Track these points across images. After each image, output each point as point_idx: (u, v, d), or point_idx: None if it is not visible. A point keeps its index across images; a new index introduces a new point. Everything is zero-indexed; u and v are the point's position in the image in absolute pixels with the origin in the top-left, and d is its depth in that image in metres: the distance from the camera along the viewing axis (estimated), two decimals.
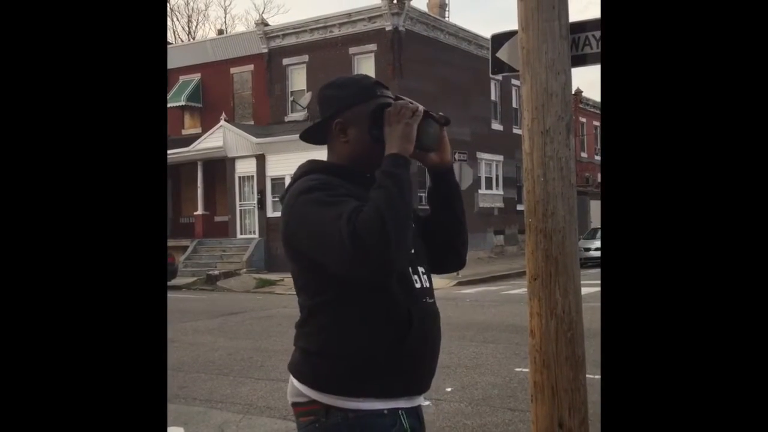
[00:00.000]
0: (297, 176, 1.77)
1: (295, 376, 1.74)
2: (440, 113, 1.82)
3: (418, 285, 1.73)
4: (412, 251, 1.71)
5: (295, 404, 1.75)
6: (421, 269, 1.77)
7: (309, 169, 1.78)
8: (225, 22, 56.52)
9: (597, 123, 36.40)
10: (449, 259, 1.92)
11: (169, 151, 23.61)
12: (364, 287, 1.63)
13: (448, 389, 6.09)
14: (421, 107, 1.72)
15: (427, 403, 1.83)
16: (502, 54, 3.29)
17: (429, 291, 1.78)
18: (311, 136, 1.87)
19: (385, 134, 1.69)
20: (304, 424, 1.72)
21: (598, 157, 34.67)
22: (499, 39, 3.28)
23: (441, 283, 15.70)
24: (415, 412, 1.76)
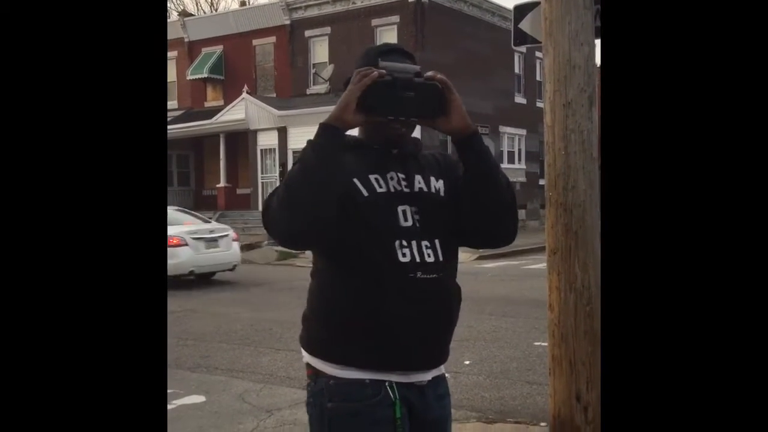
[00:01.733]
0: None
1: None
2: (417, 70, 1.63)
3: (406, 258, 1.65)
4: (415, 224, 1.69)
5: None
6: (425, 243, 1.68)
7: None
8: None
9: None
10: (474, 237, 1.79)
11: (191, 124, 23.81)
12: (336, 257, 1.69)
13: (467, 362, 6.12)
14: (378, 72, 1.58)
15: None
16: (525, 25, 3.25)
17: (427, 266, 1.67)
18: None
19: None
20: (306, 385, 1.81)
21: None
22: (522, 9, 3.24)
23: (462, 257, 15.66)
24: (417, 388, 1.72)
